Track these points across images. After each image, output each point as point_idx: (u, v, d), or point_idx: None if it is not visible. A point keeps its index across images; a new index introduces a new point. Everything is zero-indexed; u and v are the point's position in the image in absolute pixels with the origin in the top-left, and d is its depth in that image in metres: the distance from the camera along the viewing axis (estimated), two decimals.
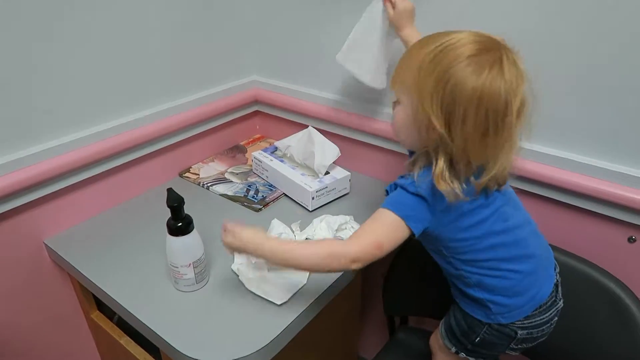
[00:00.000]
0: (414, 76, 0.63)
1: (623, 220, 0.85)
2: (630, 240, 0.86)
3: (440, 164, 0.65)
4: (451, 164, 0.65)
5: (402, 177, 0.72)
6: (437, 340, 0.91)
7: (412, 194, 0.68)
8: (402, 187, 0.69)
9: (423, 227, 0.69)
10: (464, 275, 0.76)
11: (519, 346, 0.81)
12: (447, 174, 0.65)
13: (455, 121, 0.61)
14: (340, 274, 0.85)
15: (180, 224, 0.77)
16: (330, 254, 0.69)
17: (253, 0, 1.19)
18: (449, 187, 0.64)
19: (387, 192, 0.73)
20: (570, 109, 0.83)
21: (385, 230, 0.69)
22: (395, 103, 0.71)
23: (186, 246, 0.78)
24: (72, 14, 0.87)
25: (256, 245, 0.71)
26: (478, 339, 0.80)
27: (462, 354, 0.85)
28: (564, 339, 0.89)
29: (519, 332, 0.78)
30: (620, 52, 0.75)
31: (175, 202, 0.75)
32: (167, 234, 0.78)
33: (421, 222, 0.69)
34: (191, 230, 0.78)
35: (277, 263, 0.76)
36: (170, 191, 0.77)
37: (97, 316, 1.07)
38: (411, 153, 0.74)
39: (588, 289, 0.85)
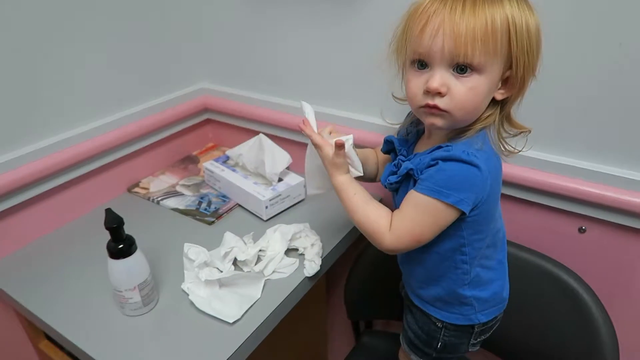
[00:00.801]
0: (512, 38, 0.57)
1: (572, 212, 0.86)
2: (581, 230, 0.87)
3: (511, 116, 0.65)
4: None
5: (437, 149, 0.63)
6: (406, 357, 0.89)
7: (467, 163, 0.59)
8: (453, 159, 0.60)
9: (473, 204, 0.62)
10: (466, 269, 0.70)
11: (478, 339, 0.80)
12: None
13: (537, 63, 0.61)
14: (296, 284, 0.83)
15: (121, 246, 0.73)
16: (371, 231, 0.67)
17: (196, 8, 1.15)
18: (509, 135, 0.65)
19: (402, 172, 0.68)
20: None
21: (429, 222, 0.63)
22: (462, 73, 0.58)
23: (129, 269, 0.74)
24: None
25: (335, 178, 0.71)
26: (440, 344, 0.79)
27: None
28: (522, 332, 0.90)
29: (476, 326, 0.77)
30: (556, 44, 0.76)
31: (114, 224, 0.71)
32: (108, 258, 0.74)
33: (472, 199, 0.61)
34: (134, 252, 0.74)
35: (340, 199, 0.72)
36: (108, 212, 0.73)
37: (45, 345, 1.01)
38: (387, 144, 0.75)
39: (542, 280, 0.86)
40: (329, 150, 0.70)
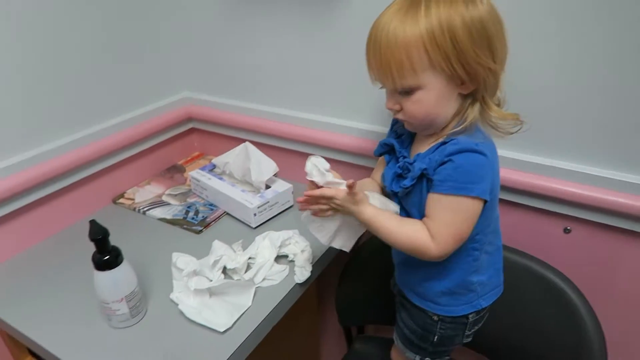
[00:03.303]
0: (432, 50, 0.59)
1: (558, 212, 0.87)
2: (566, 230, 0.89)
3: (490, 104, 0.65)
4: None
5: (442, 145, 0.65)
6: (400, 356, 0.89)
7: (478, 152, 0.62)
8: (465, 150, 0.62)
9: (489, 191, 0.65)
10: (477, 255, 0.72)
11: (472, 330, 0.81)
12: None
13: (496, 50, 0.62)
14: (287, 291, 0.83)
15: (107, 258, 0.71)
16: (415, 248, 0.67)
17: (176, 16, 1.15)
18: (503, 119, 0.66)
19: (406, 171, 0.69)
20: None
21: (464, 219, 0.65)
22: (407, 94, 0.64)
23: (116, 280, 0.73)
24: None
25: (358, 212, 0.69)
26: (436, 337, 0.79)
27: (428, 359, 0.84)
28: (511, 332, 0.90)
29: (470, 316, 0.78)
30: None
31: (98, 235, 0.70)
32: (94, 270, 0.72)
33: (488, 187, 0.64)
34: (120, 263, 0.73)
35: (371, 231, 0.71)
36: (92, 223, 0.71)
37: None
38: (383, 147, 0.76)
39: (529, 281, 0.87)
40: (344, 193, 0.68)
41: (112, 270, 0.72)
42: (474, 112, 0.65)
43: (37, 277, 0.89)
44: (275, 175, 1.04)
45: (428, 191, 0.67)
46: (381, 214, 0.69)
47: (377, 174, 0.82)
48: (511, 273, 0.87)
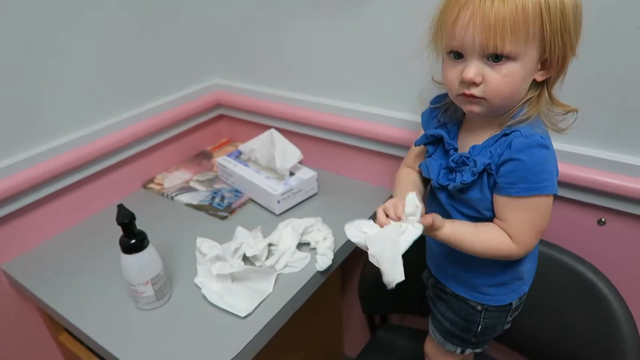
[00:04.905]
0: (546, 18, 0.56)
1: (592, 204, 0.83)
2: (600, 222, 0.85)
3: (554, 96, 0.64)
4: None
5: (503, 136, 0.63)
6: (438, 349, 0.87)
7: (545, 147, 0.61)
8: (534, 145, 0.60)
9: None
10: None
11: (513, 316, 0.80)
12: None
13: (578, 39, 0.60)
14: (308, 279, 0.83)
15: (133, 241, 0.74)
16: (498, 255, 0.67)
17: (208, 3, 1.15)
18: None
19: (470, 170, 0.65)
20: None
21: (541, 215, 0.64)
22: (497, 64, 0.59)
23: (142, 263, 0.75)
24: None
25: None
26: (480, 327, 0.78)
27: (469, 350, 0.83)
28: (541, 327, 0.88)
29: (514, 302, 0.76)
30: None
31: (125, 219, 0.72)
32: (121, 253, 0.74)
33: (555, 178, 0.64)
34: (146, 246, 0.75)
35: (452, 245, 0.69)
36: (120, 207, 0.74)
37: (65, 339, 1.03)
38: (427, 137, 0.72)
39: (561, 274, 0.84)
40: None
41: (138, 253, 0.74)
42: (541, 101, 0.63)
43: (72, 258, 0.93)
44: (300, 162, 1.04)
45: (489, 186, 0.65)
46: (456, 228, 0.66)
47: (416, 164, 0.78)
48: (541, 265, 0.84)
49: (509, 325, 0.81)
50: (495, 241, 0.66)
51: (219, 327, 0.75)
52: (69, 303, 0.82)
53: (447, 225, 0.66)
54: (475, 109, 0.63)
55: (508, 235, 0.65)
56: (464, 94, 0.62)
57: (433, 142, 0.73)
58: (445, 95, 0.73)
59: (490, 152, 0.63)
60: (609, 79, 0.74)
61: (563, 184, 0.83)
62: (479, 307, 0.76)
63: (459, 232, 0.66)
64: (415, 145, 0.77)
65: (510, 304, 0.76)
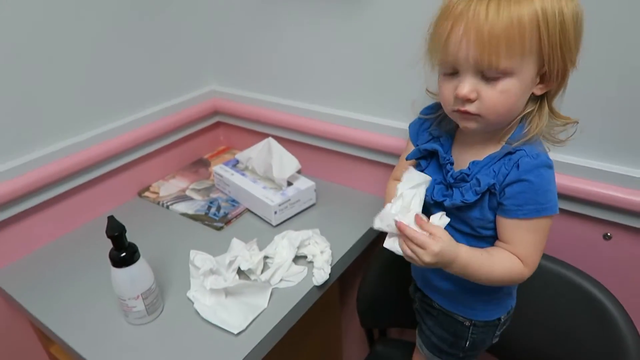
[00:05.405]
0: (544, 31, 0.54)
1: (597, 218, 0.81)
2: (606, 237, 0.82)
3: (555, 109, 0.62)
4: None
5: (508, 155, 0.61)
6: None
7: (550, 166, 0.60)
8: (541, 165, 0.59)
9: None
10: None
11: (501, 330, 0.78)
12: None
13: (578, 51, 0.58)
14: (304, 293, 0.81)
15: (123, 254, 0.71)
16: (511, 280, 0.65)
17: (203, 9, 1.14)
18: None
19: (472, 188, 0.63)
20: None
21: (546, 234, 0.64)
22: (493, 81, 0.56)
23: (132, 277, 0.73)
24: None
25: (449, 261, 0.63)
26: (468, 342, 0.76)
27: None
28: (544, 344, 0.86)
29: (502, 317, 0.75)
30: None
31: (115, 232, 0.70)
32: (111, 266, 0.72)
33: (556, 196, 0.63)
34: (137, 260, 0.73)
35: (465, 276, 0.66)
36: (110, 219, 0.72)
37: (56, 350, 1.01)
38: (419, 152, 0.70)
39: (565, 290, 0.82)
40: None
41: (129, 267, 0.72)
42: (543, 117, 0.61)
43: (62, 269, 0.91)
44: (298, 172, 1.02)
45: (490, 207, 0.63)
46: (470, 256, 0.63)
47: None
48: (545, 281, 0.82)
49: (497, 339, 0.79)
50: (508, 268, 0.64)
51: (211, 344, 0.73)
52: (56, 315, 0.80)
53: (459, 255, 0.62)
54: (471, 125, 0.61)
55: (518, 257, 0.63)
56: (459, 110, 0.60)
57: (426, 157, 0.71)
58: (438, 105, 0.71)
59: (494, 171, 0.61)
60: (615, 91, 0.72)
61: (568, 198, 0.81)
62: (467, 323, 0.75)
63: (469, 258, 0.63)
64: (406, 160, 0.74)
65: (499, 319, 0.75)
